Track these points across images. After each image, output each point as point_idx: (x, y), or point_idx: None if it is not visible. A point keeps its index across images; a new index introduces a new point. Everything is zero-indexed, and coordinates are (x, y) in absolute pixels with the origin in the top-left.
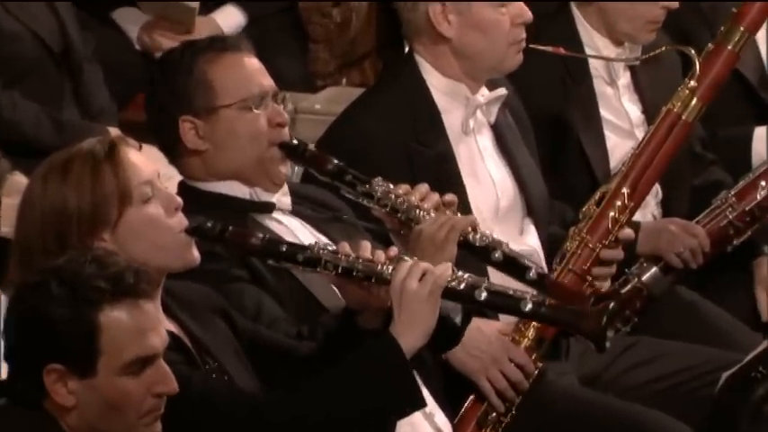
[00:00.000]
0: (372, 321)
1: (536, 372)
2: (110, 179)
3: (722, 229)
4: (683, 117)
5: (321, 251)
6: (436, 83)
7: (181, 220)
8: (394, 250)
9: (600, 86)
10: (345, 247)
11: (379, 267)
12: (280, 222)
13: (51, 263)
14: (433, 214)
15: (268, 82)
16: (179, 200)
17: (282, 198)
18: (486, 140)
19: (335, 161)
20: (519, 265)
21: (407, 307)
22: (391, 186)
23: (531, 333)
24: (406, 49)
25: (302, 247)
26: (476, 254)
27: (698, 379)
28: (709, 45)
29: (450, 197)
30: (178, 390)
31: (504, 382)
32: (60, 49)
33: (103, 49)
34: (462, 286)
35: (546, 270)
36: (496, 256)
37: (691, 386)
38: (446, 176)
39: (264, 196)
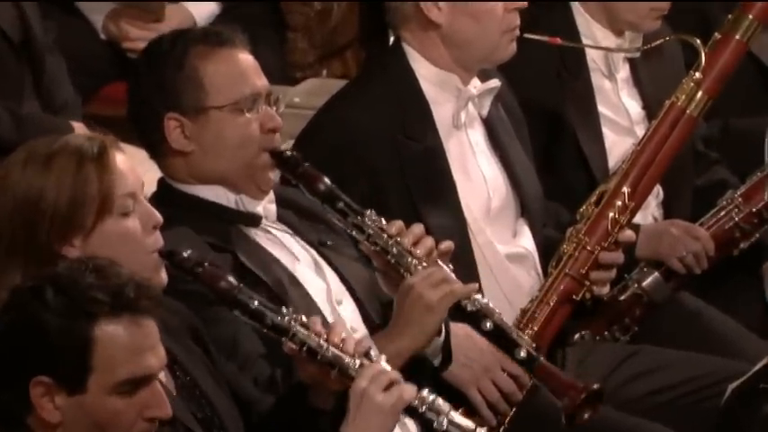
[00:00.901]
0: (324, 401)
1: (530, 383)
2: (93, 182)
3: (728, 231)
4: (688, 111)
5: (292, 322)
6: (425, 73)
7: (157, 240)
8: (366, 343)
9: (598, 80)
10: (317, 324)
11: (347, 360)
12: (267, 232)
13: (50, 269)
14: (425, 264)
15: (262, 82)
16: (159, 218)
17: (268, 206)
18: (477, 135)
19: (328, 182)
20: (509, 340)
21: (364, 414)
22: (384, 222)
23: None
24: (392, 39)
25: (273, 310)
26: (465, 319)
27: (702, 391)
28: (716, 34)
29: (446, 246)
30: (171, 415)
31: (496, 393)
32: (20, 39)
33: (66, 39)
34: (424, 408)
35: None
36: (488, 325)
37: (694, 398)
38: (435, 172)
39: (250, 204)
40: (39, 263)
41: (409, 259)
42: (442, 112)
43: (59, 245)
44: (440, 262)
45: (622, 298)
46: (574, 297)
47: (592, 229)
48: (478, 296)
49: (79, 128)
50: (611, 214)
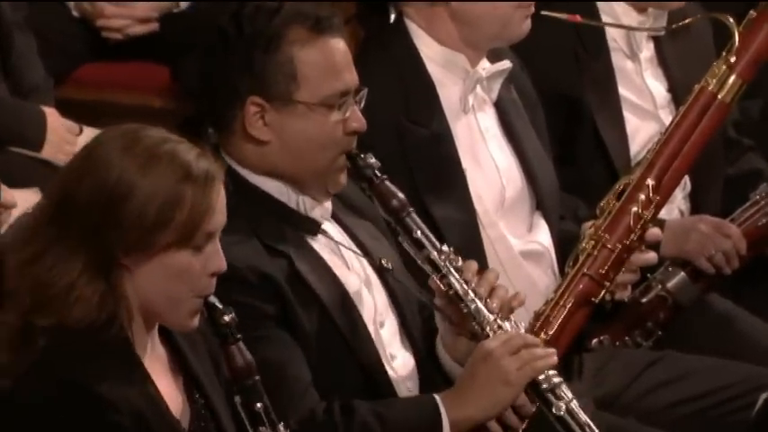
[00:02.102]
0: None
1: None
2: (186, 206)
3: (761, 228)
4: (720, 96)
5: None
6: (431, 53)
7: (209, 287)
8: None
9: (619, 60)
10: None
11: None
12: (323, 234)
13: None
14: (505, 326)
15: (352, 77)
16: (224, 267)
17: (326, 204)
18: (488, 120)
19: (405, 201)
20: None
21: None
22: (461, 262)
23: None
24: (393, 15)
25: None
26: (537, 397)
27: (732, 401)
28: (751, 12)
29: (519, 300)
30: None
31: None
32: None
33: (37, 17)
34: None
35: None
36: (559, 410)
37: (723, 409)
38: (442, 159)
39: (312, 208)
40: (97, 264)
41: (486, 314)
42: (448, 94)
43: (120, 253)
44: (512, 319)
45: (645, 300)
46: (592, 299)
47: (612, 225)
48: (554, 372)
49: (51, 113)
50: (633, 209)
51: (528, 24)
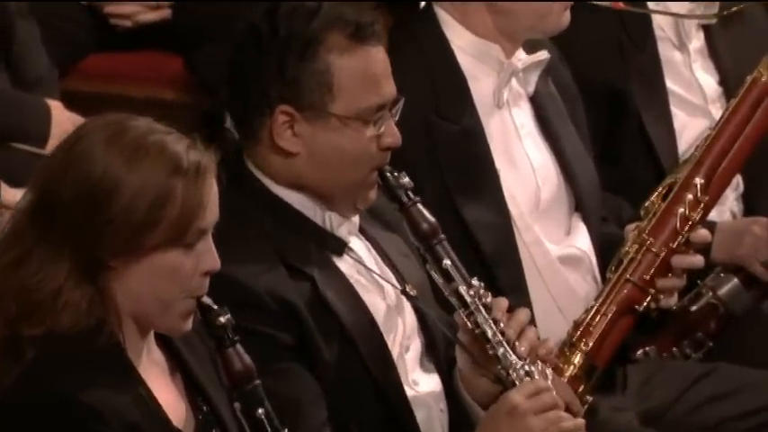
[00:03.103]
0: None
1: (584, 407)
2: (177, 202)
3: None
4: None
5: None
6: (462, 43)
7: (202, 286)
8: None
9: (667, 51)
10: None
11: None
12: (350, 251)
13: None
14: (531, 372)
15: (391, 89)
16: (217, 266)
17: (353, 219)
18: (523, 115)
19: (436, 225)
20: None
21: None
22: (490, 298)
23: (577, 359)
24: (422, 3)
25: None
26: None
27: None
28: None
29: (547, 348)
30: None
31: None
32: None
33: (41, 5)
34: None
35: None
36: None
37: None
38: (474, 158)
39: (338, 225)
40: (84, 266)
41: (513, 359)
42: (480, 88)
43: (107, 255)
44: (539, 364)
45: (695, 308)
46: (636, 307)
47: (658, 227)
48: None
49: (56, 107)
50: (680, 210)
51: (568, 16)
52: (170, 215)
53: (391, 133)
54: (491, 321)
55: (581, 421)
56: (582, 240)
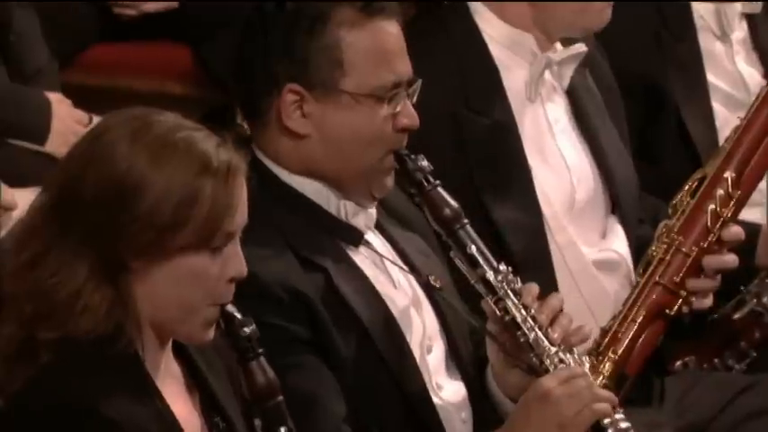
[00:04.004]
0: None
1: None
2: (206, 203)
3: None
4: None
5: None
6: (494, 33)
7: (226, 294)
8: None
9: (707, 42)
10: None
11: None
12: (367, 245)
13: None
14: (567, 360)
15: (405, 66)
16: (244, 272)
17: (370, 211)
18: (557, 110)
19: (458, 210)
20: None
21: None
22: (519, 284)
23: (606, 368)
24: None
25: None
26: None
27: None
28: None
29: (583, 335)
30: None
31: None
32: None
33: None
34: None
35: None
36: None
37: None
38: (505, 153)
39: (354, 214)
40: (104, 267)
41: (546, 345)
42: (513, 80)
43: (129, 256)
44: (575, 352)
45: (737, 316)
46: (667, 311)
47: (687, 225)
48: (620, 416)
49: (57, 100)
50: (710, 206)
51: (608, 14)
52: (197, 216)
53: (407, 113)
54: (521, 307)
55: (614, 398)
56: (619, 244)
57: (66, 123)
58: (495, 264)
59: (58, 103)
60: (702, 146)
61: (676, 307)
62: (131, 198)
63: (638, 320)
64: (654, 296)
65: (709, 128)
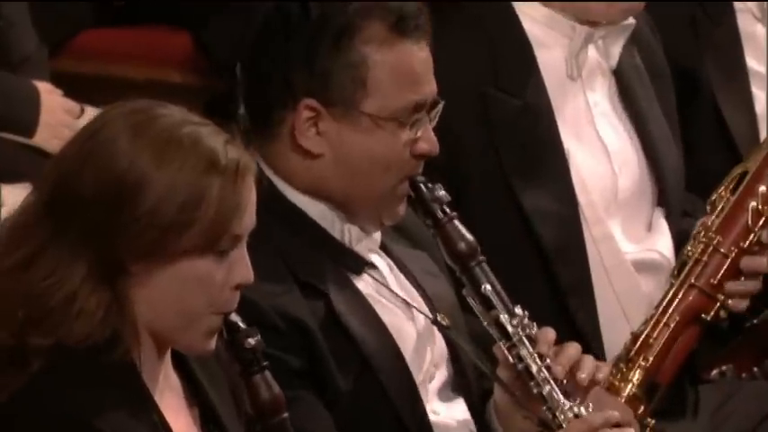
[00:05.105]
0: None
1: None
2: (212, 203)
3: None
4: None
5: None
6: (531, 11)
7: (231, 301)
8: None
9: (747, 24)
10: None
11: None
12: (372, 270)
13: None
14: (575, 409)
15: (431, 88)
16: (251, 279)
17: (375, 236)
18: (600, 93)
19: (480, 257)
20: None
21: None
22: (535, 329)
23: (636, 376)
24: None
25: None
26: None
27: None
28: None
29: (601, 376)
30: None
31: None
32: None
33: None
34: None
35: None
36: None
37: None
38: (538, 137)
39: (358, 240)
40: (102, 270)
41: (559, 399)
42: (550, 58)
43: (129, 258)
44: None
45: None
46: (703, 316)
47: (726, 224)
48: None
49: (46, 90)
50: (752, 204)
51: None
52: (203, 218)
53: (428, 138)
54: (536, 356)
55: None
56: (664, 243)
57: (56, 115)
58: (510, 306)
59: (48, 92)
60: (740, 135)
61: (713, 311)
62: (132, 197)
63: (672, 325)
64: (689, 299)
65: (748, 115)
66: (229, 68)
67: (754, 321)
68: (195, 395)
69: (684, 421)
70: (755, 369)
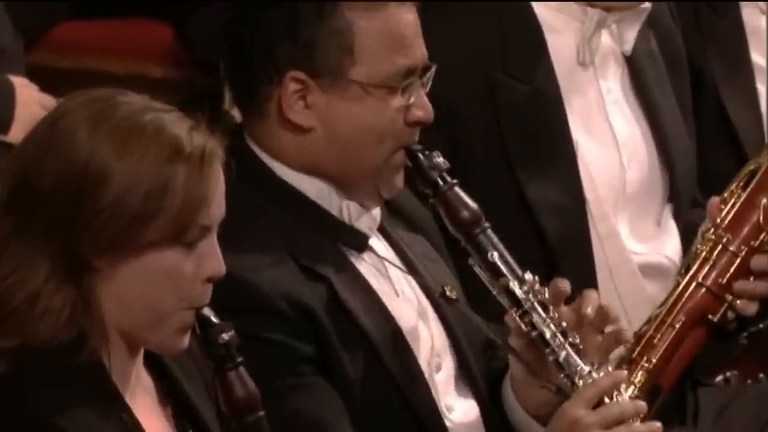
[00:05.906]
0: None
1: None
2: (178, 192)
3: None
4: None
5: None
6: None
7: (202, 296)
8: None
9: (752, 18)
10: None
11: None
12: (370, 251)
13: None
14: (595, 373)
15: (421, 51)
16: (222, 271)
17: (375, 212)
18: (612, 79)
19: (485, 224)
20: None
21: None
22: (548, 294)
23: (639, 377)
24: None
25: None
26: None
27: None
28: None
29: (624, 338)
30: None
31: None
32: None
33: None
34: None
35: None
36: None
37: None
38: (545, 125)
39: (358, 217)
40: (66, 266)
41: (577, 363)
42: (561, 43)
43: (93, 253)
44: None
45: None
46: (710, 317)
47: (737, 221)
48: None
49: (21, 84)
50: (763, 201)
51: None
52: (169, 208)
53: (421, 104)
54: (549, 321)
55: (657, 426)
56: (671, 245)
57: (32, 110)
58: (519, 272)
59: (23, 87)
60: (744, 130)
61: (720, 312)
62: (94, 189)
63: (677, 326)
64: (696, 299)
65: (754, 111)
66: (213, 63)
67: (761, 326)
68: (169, 393)
69: (685, 428)
70: (761, 375)
